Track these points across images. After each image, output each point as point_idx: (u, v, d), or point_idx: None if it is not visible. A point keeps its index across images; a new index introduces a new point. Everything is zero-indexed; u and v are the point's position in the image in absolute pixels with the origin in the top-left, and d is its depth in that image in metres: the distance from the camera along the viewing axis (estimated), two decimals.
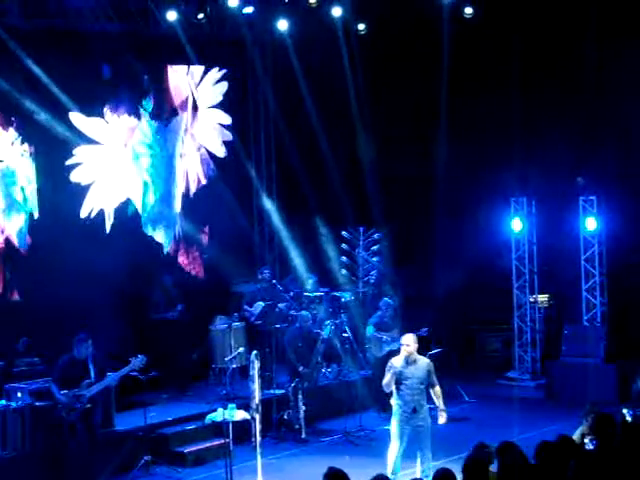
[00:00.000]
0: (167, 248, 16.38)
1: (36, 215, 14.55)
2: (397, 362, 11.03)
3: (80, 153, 15.11)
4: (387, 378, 10.98)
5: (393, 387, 10.99)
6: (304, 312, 14.88)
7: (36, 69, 14.12)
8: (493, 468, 8.06)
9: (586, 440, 9.48)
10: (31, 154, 14.51)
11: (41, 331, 13.73)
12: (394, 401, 11.06)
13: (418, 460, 10.99)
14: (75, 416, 11.59)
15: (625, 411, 11.56)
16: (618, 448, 7.81)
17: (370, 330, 14.78)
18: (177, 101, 16.57)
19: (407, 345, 11.03)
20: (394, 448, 11.02)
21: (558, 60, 16.70)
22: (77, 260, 14.66)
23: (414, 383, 10.95)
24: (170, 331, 14.92)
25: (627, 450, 7.81)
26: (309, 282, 16.37)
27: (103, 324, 13.82)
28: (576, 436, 9.89)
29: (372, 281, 16.87)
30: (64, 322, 13.84)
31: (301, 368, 14.08)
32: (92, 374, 11.80)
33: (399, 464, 10.97)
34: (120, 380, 12.21)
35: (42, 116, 14.35)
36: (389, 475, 10.37)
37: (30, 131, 14.47)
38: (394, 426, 11.06)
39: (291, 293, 15.98)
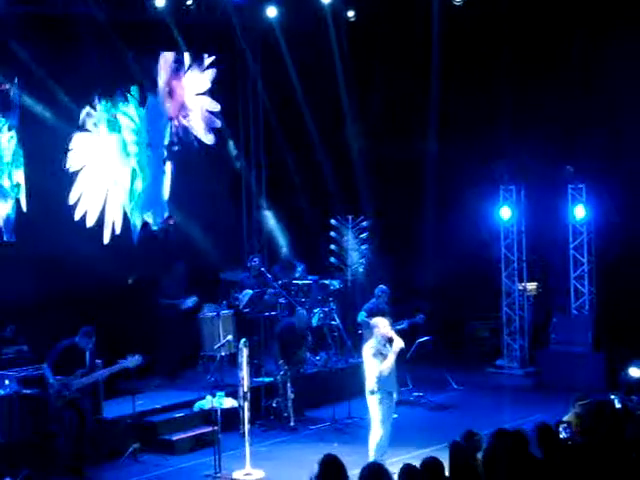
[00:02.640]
0: (155, 236, 16.33)
1: (24, 202, 14.47)
2: (397, 343, 11.15)
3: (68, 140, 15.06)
4: (390, 361, 11.00)
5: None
6: (302, 310, 14.82)
7: (23, 54, 14.03)
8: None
9: (560, 428, 9.49)
10: (19, 140, 14.43)
11: (30, 319, 13.69)
12: (377, 385, 11.05)
13: (376, 441, 11.10)
14: (62, 403, 11.55)
15: (613, 397, 11.61)
16: (607, 435, 7.84)
17: (362, 315, 14.78)
18: (165, 88, 16.50)
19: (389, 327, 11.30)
20: (382, 434, 11.05)
21: (548, 48, 16.68)
22: (65, 246, 14.64)
23: (394, 364, 11.15)
24: (168, 318, 14.87)
25: (615, 436, 7.83)
26: (297, 270, 16.34)
27: (94, 310, 13.79)
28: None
29: (361, 269, 16.85)
30: (52, 310, 13.82)
31: (281, 362, 14.04)
32: (87, 365, 11.77)
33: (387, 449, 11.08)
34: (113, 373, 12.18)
35: (30, 102, 14.29)
36: (378, 460, 10.41)
37: (18, 117, 14.38)
38: (381, 410, 11.07)
39: (279, 282, 15.95)
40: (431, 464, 7.11)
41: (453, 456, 7.44)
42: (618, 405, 11.20)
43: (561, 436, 9.32)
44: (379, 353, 11.10)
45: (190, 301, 15.03)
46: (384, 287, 15.07)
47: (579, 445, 8.24)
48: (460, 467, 7.33)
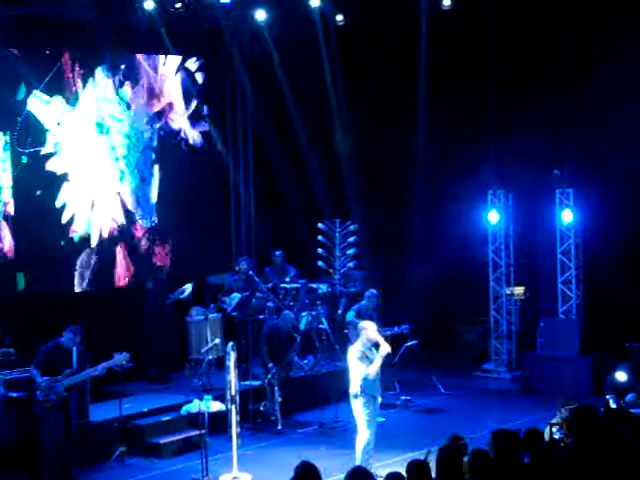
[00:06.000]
0: (143, 239, 16.31)
1: (12, 205, 14.44)
2: (383, 348, 11.20)
3: (56, 142, 15.02)
4: (377, 366, 11.03)
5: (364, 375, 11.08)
6: (287, 311, 14.81)
7: (11, 56, 14.04)
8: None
9: (554, 429, 9.57)
10: (6, 142, 14.39)
11: (16, 321, 13.66)
12: (361, 389, 11.05)
13: (363, 444, 11.11)
14: (51, 404, 11.52)
15: (608, 397, 11.68)
16: (598, 436, 7.87)
17: (350, 315, 14.81)
18: (153, 91, 16.49)
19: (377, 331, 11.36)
20: (369, 438, 11.07)
21: (535, 53, 16.71)
22: (53, 249, 14.62)
23: (379, 368, 11.18)
24: (156, 320, 14.87)
25: (603, 440, 7.86)
26: (290, 274, 16.34)
27: (82, 312, 13.76)
28: (547, 429, 9.97)
29: (349, 273, 16.85)
30: (39, 313, 13.79)
31: (270, 364, 14.02)
32: (75, 365, 11.75)
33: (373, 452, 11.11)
34: (101, 373, 12.10)
35: (17, 104, 14.29)
36: (364, 464, 10.42)
37: (4, 119, 14.36)
38: (367, 415, 11.08)
39: (270, 284, 15.96)
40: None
41: (441, 460, 7.44)
42: (613, 405, 11.27)
43: (555, 437, 9.39)
44: (365, 357, 11.12)
45: (187, 289, 15.09)
46: (374, 291, 15.08)
47: (566, 449, 8.27)
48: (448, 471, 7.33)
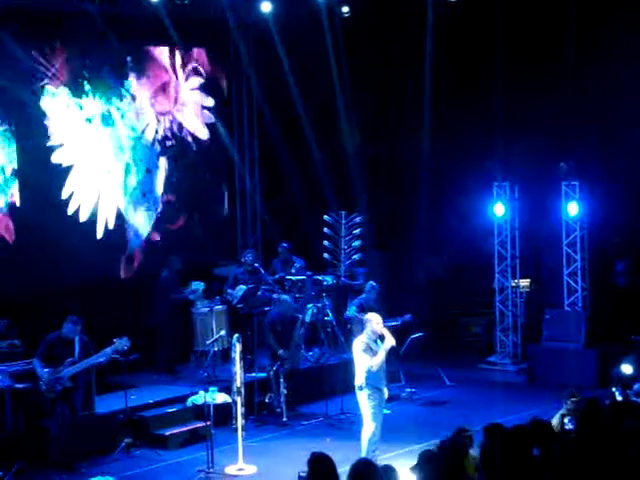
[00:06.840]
0: (148, 231, 16.31)
1: (17, 196, 14.45)
2: (388, 341, 11.16)
3: (61, 134, 15.03)
4: (380, 358, 11.02)
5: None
6: (284, 296, 14.81)
7: (17, 49, 14.03)
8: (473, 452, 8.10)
9: (565, 420, 9.58)
10: (11, 134, 14.40)
11: (22, 313, 13.68)
12: (366, 382, 11.05)
13: (368, 436, 11.10)
14: (55, 394, 11.55)
15: (614, 390, 11.68)
16: (603, 430, 7.86)
17: (352, 310, 14.80)
18: (159, 83, 16.49)
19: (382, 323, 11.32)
20: (374, 430, 11.07)
21: (541, 45, 16.70)
22: (59, 241, 14.63)
23: (384, 361, 11.17)
24: (165, 312, 14.87)
25: (615, 427, 7.86)
26: (295, 265, 16.35)
27: (88, 305, 13.78)
28: (556, 419, 9.98)
29: (351, 269, 16.87)
30: (45, 304, 13.81)
31: (281, 351, 14.03)
32: (77, 354, 11.77)
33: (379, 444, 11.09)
34: (104, 360, 12.09)
35: (23, 96, 14.29)
36: (370, 455, 10.44)
37: (10, 110, 14.37)
38: (372, 407, 11.08)
39: (276, 276, 15.97)
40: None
41: (445, 453, 7.43)
42: (619, 398, 11.28)
43: (566, 427, 9.40)
44: (369, 348, 11.11)
45: (198, 290, 15.11)
46: (374, 283, 15.08)
47: (573, 441, 8.27)
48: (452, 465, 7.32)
